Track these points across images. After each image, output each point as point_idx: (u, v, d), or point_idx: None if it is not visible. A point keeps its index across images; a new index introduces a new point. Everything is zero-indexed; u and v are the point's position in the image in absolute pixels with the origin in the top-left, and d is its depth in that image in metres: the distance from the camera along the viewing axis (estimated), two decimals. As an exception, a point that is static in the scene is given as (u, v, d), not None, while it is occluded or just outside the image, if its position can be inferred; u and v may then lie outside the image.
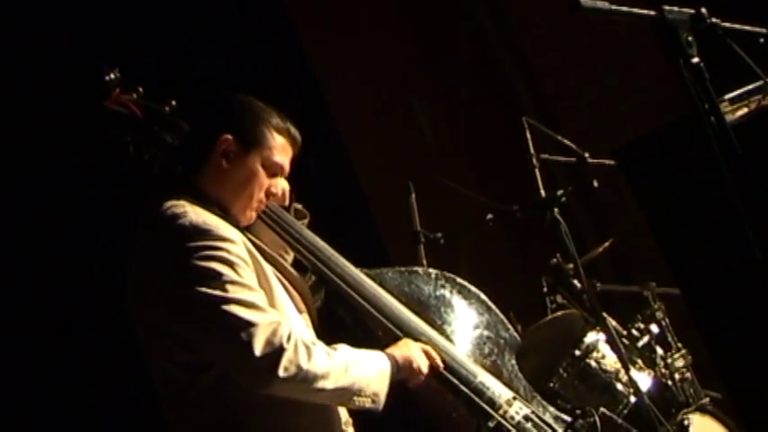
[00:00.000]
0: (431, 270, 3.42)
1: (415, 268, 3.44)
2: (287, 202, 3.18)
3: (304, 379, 2.75)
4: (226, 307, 2.72)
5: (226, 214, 2.95)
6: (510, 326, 3.42)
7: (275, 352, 2.70)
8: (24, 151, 4.89)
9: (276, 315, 2.80)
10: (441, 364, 3.08)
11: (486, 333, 3.35)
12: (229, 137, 2.96)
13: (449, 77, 6.93)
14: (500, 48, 6.96)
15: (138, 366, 3.02)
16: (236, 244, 2.83)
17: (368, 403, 2.89)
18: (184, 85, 3.08)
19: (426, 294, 3.32)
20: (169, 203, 2.86)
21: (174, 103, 3.12)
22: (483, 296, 3.41)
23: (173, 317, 2.80)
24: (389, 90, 6.66)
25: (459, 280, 3.40)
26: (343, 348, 2.91)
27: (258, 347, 2.69)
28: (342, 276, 3.13)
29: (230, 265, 2.78)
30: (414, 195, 4.87)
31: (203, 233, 2.79)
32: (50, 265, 4.94)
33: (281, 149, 3.03)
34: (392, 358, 2.98)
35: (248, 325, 2.71)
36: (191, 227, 2.79)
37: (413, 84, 6.81)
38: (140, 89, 3.14)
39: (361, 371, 2.87)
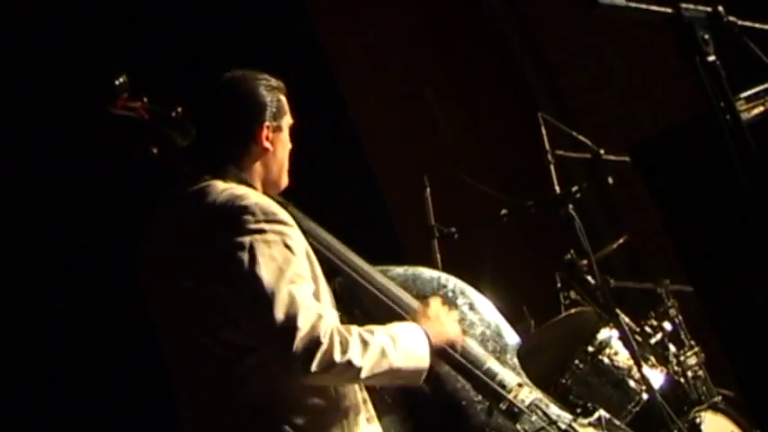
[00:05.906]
0: (435, 273, 3.45)
1: (421, 269, 3.47)
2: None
3: (338, 372, 2.78)
4: (279, 296, 2.74)
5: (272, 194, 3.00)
6: (512, 332, 3.46)
7: (312, 347, 2.73)
8: (30, 154, 4.89)
9: (319, 309, 2.82)
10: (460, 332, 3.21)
11: (488, 332, 3.40)
12: (267, 123, 2.99)
13: (465, 72, 6.93)
14: (516, 43, 6.95)
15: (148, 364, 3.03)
16: (298, 231, 2.87)
17: (413, 380, 2.96)
18: (192, 83, 3.07)
19: (429, 295, 3.34)
20: (222, 186, 2.88)
21: (180, 109, 3.10)
22: (487, 301, 3.46)
23: (228, 294, 2.80)
24: (405, 84, 6.66)
25: (461, 284, 3.43)
26: (378, 333, 2.91)
27: (297, 341, 2.72)
28: (352, 266, 3.20)
29: (292, 251, 2.81)
30: (428, 190, 4.87)
31: (269, 215, 2.82)
32: (53, 267, 4.95)
33: (288, 107, 3.09)
34: (425, 331, 3.03)
35: (295, 318, 2.73)
36: (256, 207, 2.82)
37: (429, 78, 6.80)
38: (145, 98, 3.13)
39: (399, 352, 2.90)
